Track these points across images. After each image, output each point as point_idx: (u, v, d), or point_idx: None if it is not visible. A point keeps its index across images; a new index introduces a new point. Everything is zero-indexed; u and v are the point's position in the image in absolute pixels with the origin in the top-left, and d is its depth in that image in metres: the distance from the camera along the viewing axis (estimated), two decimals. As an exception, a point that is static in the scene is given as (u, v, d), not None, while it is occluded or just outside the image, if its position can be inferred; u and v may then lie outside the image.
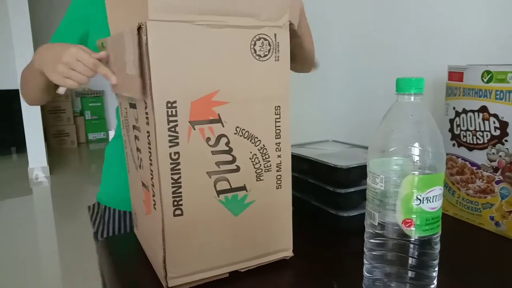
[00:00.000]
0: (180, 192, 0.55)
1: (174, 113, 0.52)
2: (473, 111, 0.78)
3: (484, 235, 0.76)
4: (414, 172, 0.47)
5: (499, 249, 0.72)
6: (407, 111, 0.49)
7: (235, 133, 0.57)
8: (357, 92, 1.39)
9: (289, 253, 0.66)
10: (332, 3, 1.42)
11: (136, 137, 0.63)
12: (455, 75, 0.82)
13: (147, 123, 0.54)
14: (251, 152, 0.59)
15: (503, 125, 0.73)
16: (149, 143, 0.55)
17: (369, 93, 1.32)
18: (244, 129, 0.58)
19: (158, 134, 0.52)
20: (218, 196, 0.57)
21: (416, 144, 0.47)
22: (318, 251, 0.71)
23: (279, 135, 0.61)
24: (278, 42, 0.58)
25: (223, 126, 0.56)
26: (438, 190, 0.48)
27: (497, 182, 0.75)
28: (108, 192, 0.96)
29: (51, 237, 2.80)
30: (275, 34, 0.58)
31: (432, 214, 0.48)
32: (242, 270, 0.62)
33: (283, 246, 0.65)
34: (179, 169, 0.54)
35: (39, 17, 4.51)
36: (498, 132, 0.74)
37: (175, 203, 0.55)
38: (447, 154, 0.84)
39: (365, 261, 0.53)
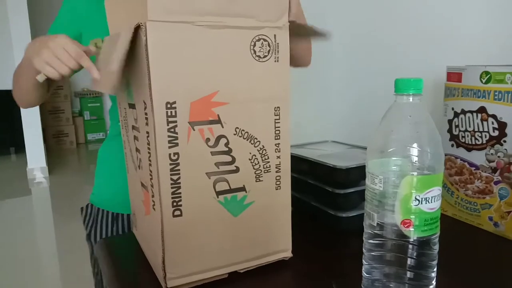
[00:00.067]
0: (180, 193, 0.55)
1: (173, 113, 0.52)
2: (471, 112, 0.78)
3: (482, 235, 0.77)
4: (413, 173, 0.47)
5: (497, 249, 0.72)
6: (406, 112, 0.49)
7: (234, 134, 0.57)
8: (357, 92, 1.39)
9: (288, 254, 0.66)
10: (332, 3, 1.42)
11: (135, 138, 0.63)
12: (454, 75, 0.82)
13: (147, 124, 0.54)
14: (250, 153, 0.59)
15: (502, 125, 0.73)
16: (148, 144, 0.55)
17: (369, 93, 1.33)
18: (243, 130, 0.58)
19: (157, 134, 0.52)
20: (218, 197, 0.58)
21: (415, 145, 0.47)
22: (318, 251, 0.71)
23: (279, 136, 0.61)
24: (277, 43, 0.58)
25: (223, 127, 0.56)
26: (436, 190, 0.48)
27: (496, 183, 0.75)
28: (101, 194, 0.95)
29: (50, 237, 2.80)
30: (274, 35, 0.58)
31: (431, 215, 0.48)
32: (242, 271, 0.62)
33: (282, 247, 0.65)
34: (179, 170, 0.54)
35: (39, 18, 4.50)
36: (496, 133, 0.74)
37: (175, 203, 0.55)
38: (445, 155, 0.85)
39: (364, 262, 0.53)
